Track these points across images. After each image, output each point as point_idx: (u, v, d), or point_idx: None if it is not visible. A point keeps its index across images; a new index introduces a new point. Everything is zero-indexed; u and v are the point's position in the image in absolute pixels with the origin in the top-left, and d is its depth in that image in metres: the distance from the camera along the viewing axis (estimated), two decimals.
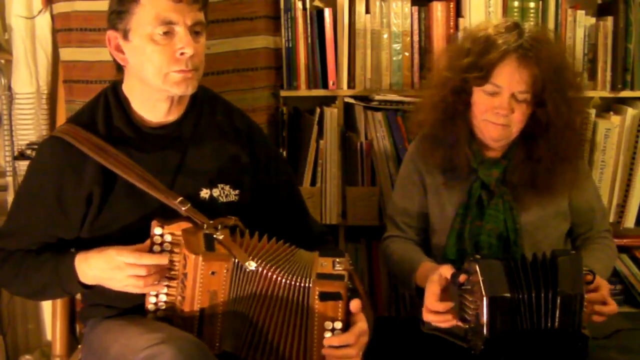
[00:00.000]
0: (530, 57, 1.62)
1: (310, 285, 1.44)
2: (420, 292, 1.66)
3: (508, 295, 1.47)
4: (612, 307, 1.57)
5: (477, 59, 1.65)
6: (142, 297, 1.48)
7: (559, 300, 1.47)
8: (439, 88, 1.74)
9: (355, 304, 1.45)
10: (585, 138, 1.96)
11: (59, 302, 1.99)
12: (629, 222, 2.36)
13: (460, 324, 1.54)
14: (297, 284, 1.45)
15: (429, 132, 1.79)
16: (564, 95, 1.66)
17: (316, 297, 1.44)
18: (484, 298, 1.45)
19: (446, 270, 1.56)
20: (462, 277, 1.52)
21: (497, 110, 1.65)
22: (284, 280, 1.45)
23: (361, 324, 1.46)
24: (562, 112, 1.66)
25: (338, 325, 1.44)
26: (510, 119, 1.66)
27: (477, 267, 1.48)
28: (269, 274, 1.45)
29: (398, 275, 1.81)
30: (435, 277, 1.57)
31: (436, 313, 1.55)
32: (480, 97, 1.68)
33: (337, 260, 1.50)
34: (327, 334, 1.44)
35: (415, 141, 1.89)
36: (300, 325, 1.46)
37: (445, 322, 1.55)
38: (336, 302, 1.44)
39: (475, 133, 1.75)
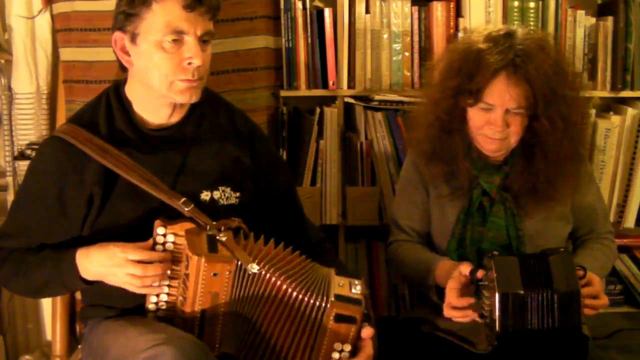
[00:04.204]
0: (521, 74, 1.58)
1: (328, 305, 1.43)
2: (440, 291, 1.66)
3: (521, 292, 1.48)
4: (604, 301, 1.57)
5: (467, 82, 1.63)
6: (143, 297, 1.48)
7: (556, 299, 1.48)
8: (433, 107, 1.73)
9: (367, 331, 1.46)
10: (589, 140, 1.94)
11: (59, 302, 1.98)
12: (629, 222, 2.37)
13: (478, 319, 1.55)
14: (313, 300, 1.44)
15: (427, 148, 1.77)
16: (559, 109, 1.63)
17: (332, 317, 1.43)
18: (497, 294, 1.46)
19: (465, 268, 1.57)
20: (480, 273, 1.54)
21: (492, 127, 1.64)
22: (298, 294, 1.44)
23: (369, 350, 1.47)
24: (558, 125, 1.63)
25: (347, 347, 1.45)
26: (507, 132, 1.64)
27: (492, 263, 1.49)
28: (277, 281, 1.44)
29: (414, 277, 1.79)
30: (456, 273, 1.58)
31: (456, 309, 1.56)
32: (474, 114, 1.67)
33: (355, 282, 1.49)
34: (335, 355, 1.45)
35: (414, 152, 1.87)
36: (308, 339, 1.45)
37: (465, 317, 1.56)
38: (350, 325, 1.44)
39: (473, 144, 1.74)
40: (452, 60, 1.70)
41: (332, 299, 1.44)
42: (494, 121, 1.63)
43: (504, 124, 1.63)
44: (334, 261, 1.70)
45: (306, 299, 1.44)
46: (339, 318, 1.43)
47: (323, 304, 1.44)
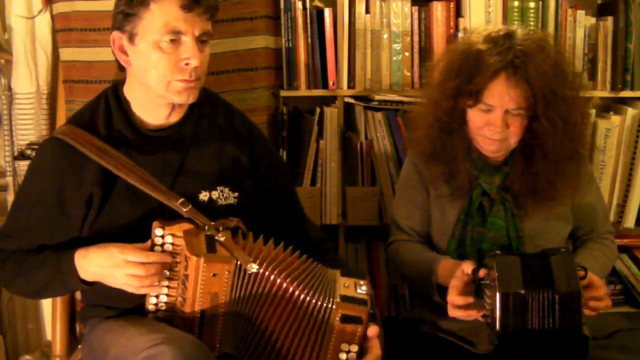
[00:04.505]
0: (520, 75, 1.58)
1: (334, 306, 1.44)
2: (441, 290, 1.66)
3: (522, 291, 1.48)
4: (607, 302, 1.57)
5: (466, 83, 1.63)
6: (143, 297, 1.48)
7: (557, 299, 1.48)
8: (432, 108, 1.73)
9: (373, 330, 1.46)
10: (589, 140, 1.94)
11: (59, 302, 1.99)
12: (629, 222, 2.37)
13: (481, 318, 1.55)
14: (318, 301, 1.44)
15: (427, 148, 1.77)
16: (559, 110, 1.63)
17: (338, 318, 1.43)
18: (497, 293, 1.46)
19: (468, 266, 1.57)
20: (482, 272, 1.54)
21: (492, 127, 1.64)
22: (302, 294, 1.44)
23: (376, 350, 1.47)
24: (558, 125, 1.63)
25: (354, 348, 1.45)
26: (507, 133, 1.64)
27: (494, 262, 1.50)
28: (279, 280, 1.44)
29: (416, 277, 1.80)
30: (458, 272, 1.58)
31: (460, 308, 1.56)
32: (474, 115, 1.67)
33: (360, 282, 1.50)
34: (342, 355, 1.45)
35: (414, 153, 1.87)
36: (314, 340, 1.46)
37: (469, 316, 1.56)
38: (356, 326, 1.44)
39: (473, 145, 1.74)
40: (451, 61, 1.70)
41: (338, 299, 1.44)
42: (494, 122, 1.63)
43: (504, 124, 1.63)
44: (334, 260, 1.70)
45: (311, 299, 1.44)
46: (345, 319, 1.43)
47: (329, 305, 1.44)
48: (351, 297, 1.45)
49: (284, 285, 1.44)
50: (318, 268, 1.53)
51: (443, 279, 1.66)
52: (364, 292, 1.47)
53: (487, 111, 1.64)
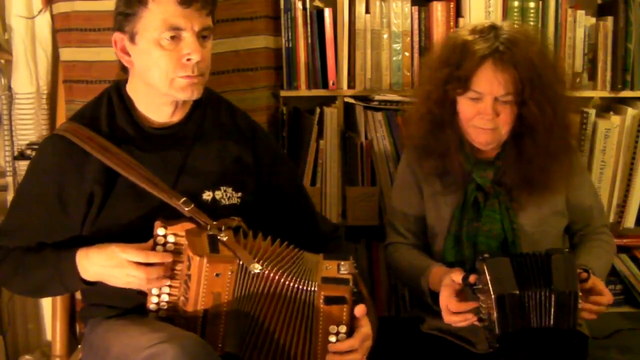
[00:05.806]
0: (506, 60, 1.61)
1: (316, 289, 1.45)
2: (434, 296, 1.67)
3: (517, 292, 1.49)
4: (608, 297, 1.58)
5: (455, 70, 1.65)
6: (144, 297, 1.48)
7: (553, 298, 1.48)
8: (424, 100, 1.75)
9: (359, 309, 1.46)
10: (576, 132, 1.96)
11: (59, 301, 1.98)
12: (629, 222, 2.37)
13: (477, 323, 1.55)
14: (302, 287, 1.45)
15: (420, 142, 1.78)
16: (546, 94, 1.65)
17: (321, 301, 1.44)
18: (492, 296, 1.47)
19: (456, 275, 1.58)
20: (472, 278, 1.54)
21: (482, 116, 1.65)
22: (289, 283, 1.45)
23: (365, 329, 1.47)
24: (546, 110, 1.65)
25: (343, 329, 1.45)
26: (497, 122, 1.66)
27: (484, 266, 1.50)
28: (274, 276, 1.45)
29: (410, 283, 1.81)
30: (448, 281, 1.59)
31: (456, 314, 1.57)
32: (464, 105, 1.68)
33: (342, 263, 1.50)
34: (332, 338, 1.45)
35: (409, 148, 1.89)
36: (305, 328, 1.46)
37: (465, 321, 1.57)
38: (341, 306, 1.44)
39: (466, 138, 1.75)
40: (440, 54, 1.73)
41: (319, 282, 1.45)
42: (484, 110, 1.65)
43: (494, 112, 1.65)
44: (338, 248, 1.71)
45: (297, 287, 1.45)
46: (329, 300, 1.44)
47: (311, 289, 1.45)
48: (332, 278, 1.47)
49: (276, 278, 1.45)
50: (303, 256, 1.54)
51: (435, 286, 1.67)
52: (346, 272, 1.48)
53: (477, 100, 1.65)
